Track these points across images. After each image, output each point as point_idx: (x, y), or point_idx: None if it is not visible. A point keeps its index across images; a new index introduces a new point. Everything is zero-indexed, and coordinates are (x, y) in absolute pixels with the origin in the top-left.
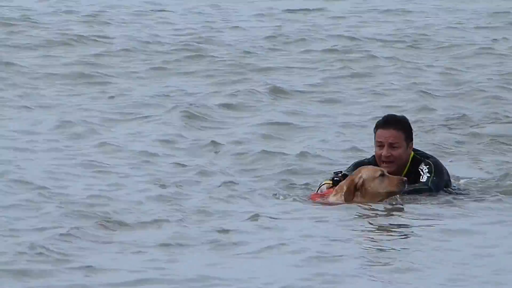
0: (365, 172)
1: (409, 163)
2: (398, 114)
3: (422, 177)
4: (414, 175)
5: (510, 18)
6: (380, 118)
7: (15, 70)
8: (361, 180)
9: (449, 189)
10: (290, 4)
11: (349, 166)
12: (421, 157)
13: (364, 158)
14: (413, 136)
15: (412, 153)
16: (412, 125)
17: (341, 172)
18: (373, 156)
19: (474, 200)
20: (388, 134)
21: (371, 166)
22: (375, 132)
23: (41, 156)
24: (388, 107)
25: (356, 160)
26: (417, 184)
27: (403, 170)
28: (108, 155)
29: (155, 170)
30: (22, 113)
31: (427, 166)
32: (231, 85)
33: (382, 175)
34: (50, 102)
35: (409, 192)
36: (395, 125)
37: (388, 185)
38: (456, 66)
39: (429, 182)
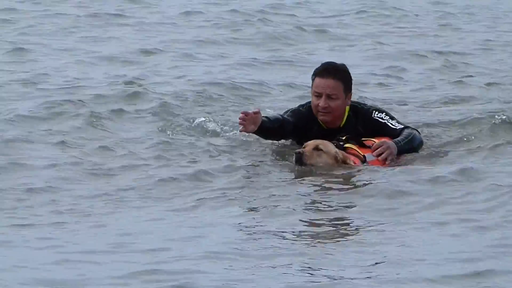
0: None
1: (347, 112)
2: (338, 62)
3: (392, 124)
4: (366, 125)
5: None
6: (319, 65)
7: None
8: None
9: None
10: None
11: (286, 111)
12: (362, 105)
13: (299, 105)
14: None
15: None
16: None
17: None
18: (308, 104)
19: None
20: (326, 84)
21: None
22: (312, 80)
23: None
24: None
25: (292, 107)
26: (406, 133)
27: (340, 120)
28: None
29: None
30: None
31: (384, 113)
32: None
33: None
34: None
35: (409, 143)
36: (334, 74)
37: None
38: None
39: (406, 125)
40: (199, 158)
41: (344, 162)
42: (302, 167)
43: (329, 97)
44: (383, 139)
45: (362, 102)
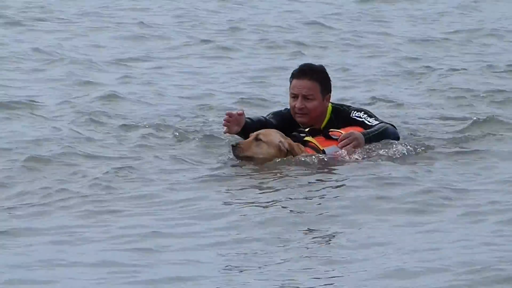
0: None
1: (329, 114)
2: (316, 63)
3: (369, 121)
4: (347, 125)
5: None
6: (296, 67)
7: None
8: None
9: None
10: None
11: (268, 114)
12: (343, 107)
13: (284, 108)
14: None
15: (330, 104)
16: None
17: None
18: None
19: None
20: (302, 85)
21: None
22: (290, 82)
23: None
24: None
25: (274, 110)
26: (378, 125)
27: (320, 122)
28: None
29: None
30: None
31: (362, 112)
32: None
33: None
34: None
35: (380, 135)
36: (311, 75)
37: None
38: None
39: (383, 121)
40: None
41: (292, 153)
42: (239, 160)
43: (305, 98)
44: (351, 130)
45: (345, 104)
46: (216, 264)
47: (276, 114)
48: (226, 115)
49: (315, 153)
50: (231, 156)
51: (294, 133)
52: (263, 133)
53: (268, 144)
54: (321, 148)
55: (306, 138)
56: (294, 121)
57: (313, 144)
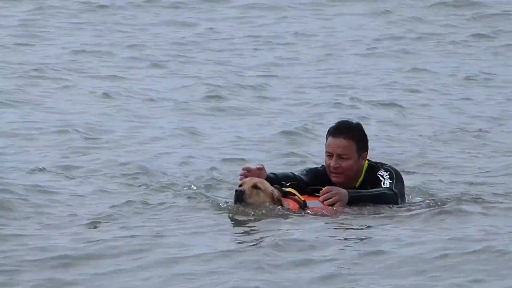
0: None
1: (363, 173)
2: (353, 121)
3: (384, 183)
4: (371, 182)
5: None
6: (333, 124)
7: None
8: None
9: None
10: None
11: (302, 170)
12: (378, 163)
13: (321, 165)
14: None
15: (367, 162)
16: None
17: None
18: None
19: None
20: (337, 144)
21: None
22: (326, 139)
23: None
24: None
25: (311, 167)
26: (380, 188)
27: (355, 181)
28: None
29: None
30: None
31: (388, 173)
32: None
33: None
34: None
35: (373, 197)
36: (346, 133)
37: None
38: None
39: (393, 187)
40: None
41: (280, 202)
42: (242, 204)
43: (340, 157)
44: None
45: (380, 162)
46: None
47: (310, 171)
48: (244, 169)
49: (296, 204)
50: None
51: (275, 185)
52: (259, 181)
53: (265, 193)
54: (302, 200)
55: (287, 189)
56: (328, 179)
57: (294, 196)
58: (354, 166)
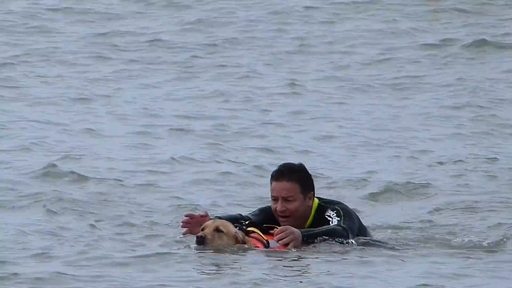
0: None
1: (313, 213)
2: (295, 162)
3: (332, 222)
4: (321, 223)
5: None
6: (275, 168)
7: None
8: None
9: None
10: None
11: (254, 211)
12: (327, 203)
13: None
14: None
15: (317, 201)
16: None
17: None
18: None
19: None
20: (281, 187)
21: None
22: (270, 183)
23: None
24: None
25: (262, 206)
26: (330, 225)
27: (304, 222)
28: None
29: None
30: None
31: (335, 212)
32: None
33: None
34: None
35: (325, 234)
36: (289, 176)
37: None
38: None
39: (342, 224)
40: None
41: (244, 242)
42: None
43: (285, 199)
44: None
45: (329, 200)
46: None
47: (262, 210)
48: (186, 216)
49: (261, 244)
50: (192, 245)
51: (236, 225)
52: (222, 224)
53: (228, 235)
54: (265, 239)
55: (249, 228)
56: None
57: (258, 235)
58: (300, 208)
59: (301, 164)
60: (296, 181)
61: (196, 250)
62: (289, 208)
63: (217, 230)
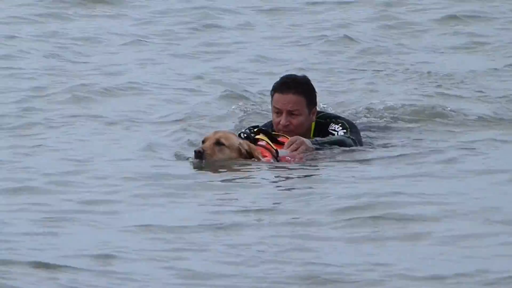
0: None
1: (312, 131)
2: (298, 74)
3: (338, 134)
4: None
5: None
6: (278, 80)
7: None
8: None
9: None
10: None
11: (245, 128)
12: (327, 119)
13: (268, 121)
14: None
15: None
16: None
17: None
18: (270, 122)
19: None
20: (287, 100)
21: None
22: (271, 96)
23: None
24: None
25: (250, 126)
26: (328, 138)
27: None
28: None
29: None
30: None
31: (339, 125)
32: None
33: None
34: None
35: (332, 144)
36: (295, 88)
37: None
38: None
39: (349, 136)
40: None
41: (251, 155)
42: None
43: (290, 113)
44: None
45: (327, 113)
46: None
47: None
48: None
49: (269, 154)
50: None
51: (244, 130)
52: (223, 136)
53: (230, 148)
54: (274, 148)
55: (258, 137)
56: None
57: (266, 144)
58: (305, 123)
59: (305, 76)
60: (303, 94)
61: (195, 165)
62: (293, 122)
63: (218, 143)
